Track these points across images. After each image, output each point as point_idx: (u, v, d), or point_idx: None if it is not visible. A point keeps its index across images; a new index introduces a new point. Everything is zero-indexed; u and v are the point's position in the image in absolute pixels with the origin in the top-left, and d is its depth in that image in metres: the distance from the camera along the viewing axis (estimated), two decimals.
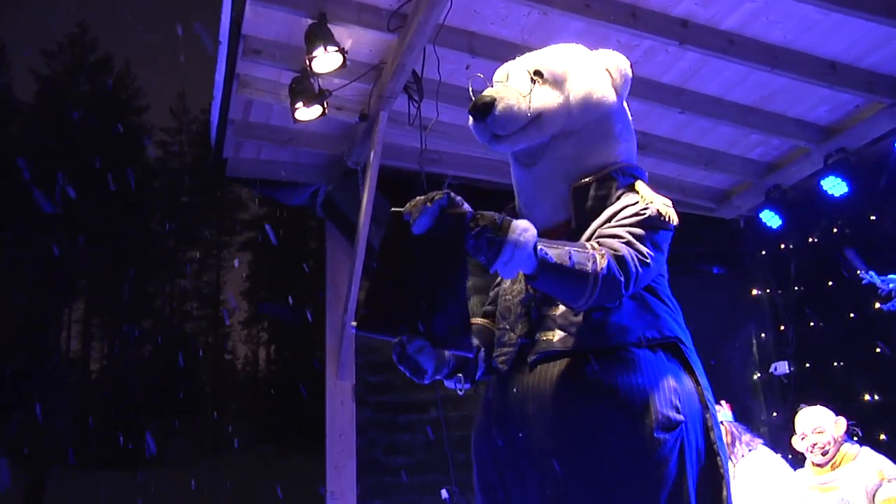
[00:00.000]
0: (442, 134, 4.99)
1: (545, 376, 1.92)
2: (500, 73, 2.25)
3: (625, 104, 2.25)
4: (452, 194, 1.71)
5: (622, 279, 1.80)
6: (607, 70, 2.19)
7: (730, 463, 4.16)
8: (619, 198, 2.01)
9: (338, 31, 4.10)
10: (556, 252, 1.74)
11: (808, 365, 5.80)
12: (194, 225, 35.02)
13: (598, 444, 1.81)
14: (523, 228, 1.69)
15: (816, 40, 4.41)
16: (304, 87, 4.40)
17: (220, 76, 4.65)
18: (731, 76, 4.73)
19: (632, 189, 2.04)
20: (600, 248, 1.83)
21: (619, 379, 1.84)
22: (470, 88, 2.22)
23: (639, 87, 4.67)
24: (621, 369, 1.86)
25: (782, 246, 6.04)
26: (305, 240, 32.52)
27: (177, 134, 37.20)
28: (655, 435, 1.80)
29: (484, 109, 2.06)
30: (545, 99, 2.10)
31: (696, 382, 1.95)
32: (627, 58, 2.26)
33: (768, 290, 6.22)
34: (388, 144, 5.15)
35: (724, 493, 1.86)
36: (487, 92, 2.11)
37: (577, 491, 1.82)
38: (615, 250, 1.83)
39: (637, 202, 1.97)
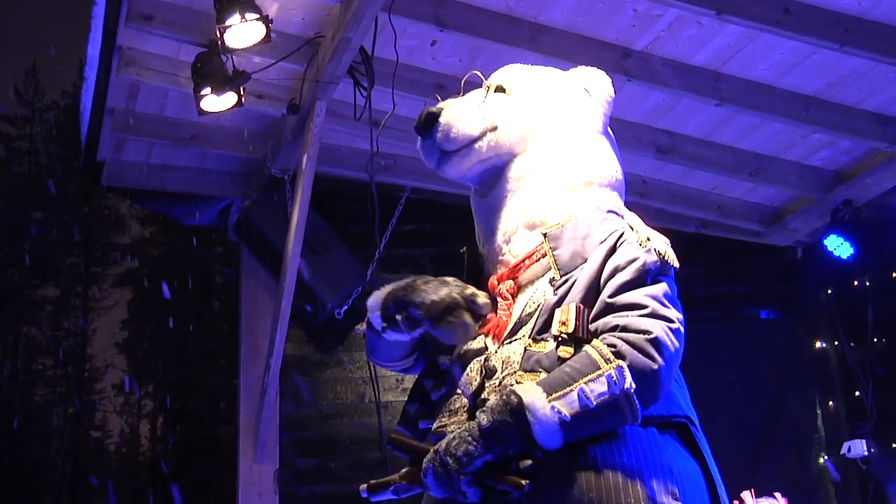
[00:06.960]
0: (399, 132, 5.04)
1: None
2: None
3: (610, 131, 2.47)
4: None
5: (659, 367, 1.96)
6: (585, 89, 2.44)
7: None
8: (609, 235, 2.17)
9: None
10: (569, 397, 1.93)
11: (895, 445, 5.88)
12: (51, 252, 34.61)
13: None
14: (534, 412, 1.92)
15: None
16: (213, 67, 4.44)
17: (94, 49, 4.67)
18: (786, 56, 4.81)
19: (621, 223, 2.21)
20: (611, 345, 1.98)
21: (599, 458, 1.98)
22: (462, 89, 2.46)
23: (662, 72, 4.78)
24: (604, 448, 2.00)
25: (856, 283, 6.14)
26: (211, 272, 32.23)
27: (25, 125, 36.79)
28: None
29: (428, 122, 2.32)
30: (503, 108, 2.36)
31: (707, 470, 2.12)
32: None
33: (837, 343, 6.31)
34: (327, 146, 5.22)
35: None
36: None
37: None
38: (644, 332, 1.99)
39: (633, 244, 2.13)
